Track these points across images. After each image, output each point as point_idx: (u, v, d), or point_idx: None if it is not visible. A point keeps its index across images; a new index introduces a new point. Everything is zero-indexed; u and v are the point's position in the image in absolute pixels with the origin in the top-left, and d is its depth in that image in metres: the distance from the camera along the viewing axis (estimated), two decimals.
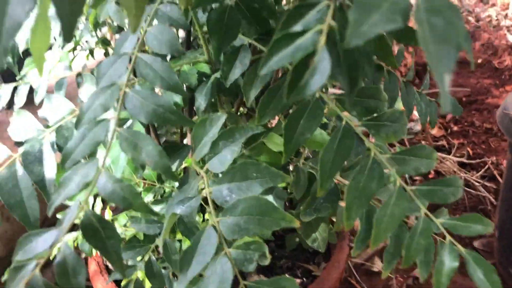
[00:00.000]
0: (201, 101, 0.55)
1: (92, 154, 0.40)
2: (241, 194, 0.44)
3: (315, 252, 0.84)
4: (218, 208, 0.48)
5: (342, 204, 0.70)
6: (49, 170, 0.48)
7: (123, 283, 0.65)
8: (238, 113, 0.72)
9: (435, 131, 1.69)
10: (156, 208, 0.63)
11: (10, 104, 1.33)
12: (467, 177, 1.45)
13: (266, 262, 0.40)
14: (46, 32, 0.29)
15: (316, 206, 0.62)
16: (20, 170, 0.48)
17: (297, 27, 0.27)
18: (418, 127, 1.67)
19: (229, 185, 0.45)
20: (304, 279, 0.79)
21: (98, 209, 0.74)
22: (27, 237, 0.35)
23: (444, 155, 1.53)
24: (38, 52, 0.29)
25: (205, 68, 0.60)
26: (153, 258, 0.58)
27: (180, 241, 0.67)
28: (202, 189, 0.49)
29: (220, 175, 0.53)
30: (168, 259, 0.58)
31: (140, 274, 0.64)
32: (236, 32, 0.46)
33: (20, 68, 0.71)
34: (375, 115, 0.47)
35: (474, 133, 1.73)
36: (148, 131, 0.75)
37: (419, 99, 0.74)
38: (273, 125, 0.69)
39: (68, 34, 0.29)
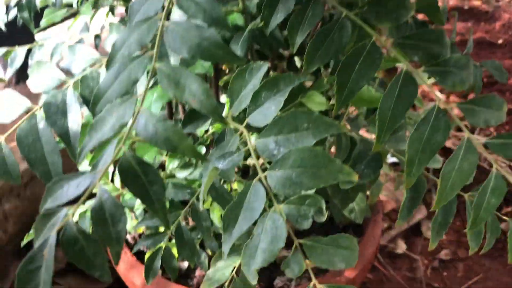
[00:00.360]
0: (237, 52, 0.50)
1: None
2: (290, 147, 0.39)
3: (345, 227, 0.80)
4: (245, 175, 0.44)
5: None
6: (74, 122, 0.43)
7: (147, 255, 0.61)
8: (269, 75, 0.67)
9: (457, 112, 1.63)
10: (183, 174, 0.58)
11: (19, 79, 1.29)
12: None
13: (323, 218, 0.36)
14: None
15: (357, 173, 0.57)
16: (41, 123, 0.44)
17: None
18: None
19: (276, 138, 0.40)
20: None
21: (118, 182, 0.70)
22: (57, 182, 0.30)
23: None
24: None
25: (238, 19, 0.55)
26: (183, 224, 0.53)
27: (208, 210, 0.62)
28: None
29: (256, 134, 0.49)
30: (199, 226, 0.53)
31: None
32: None
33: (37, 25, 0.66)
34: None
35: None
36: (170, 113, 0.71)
37: None
38: None
39: None
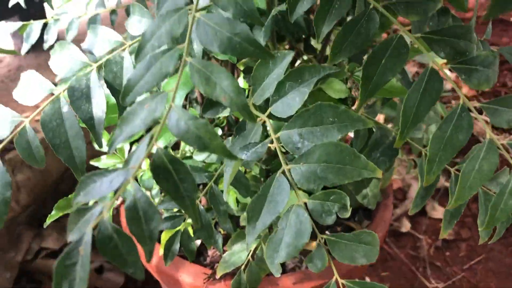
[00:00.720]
0: (259, 39, 0.49)
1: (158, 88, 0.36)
2: (315, 141, 0.39)
3: (354, 210, 0.81)
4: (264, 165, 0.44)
5: None
6: (98, 108, 0.43)
7: (164, 236, 0.62)
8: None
9: (465, 91, 1.62)
10: (201, 157, 0.58)
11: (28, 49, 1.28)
12: (500, 140, 1.40)
13: (347, 214, 0.36)
14: None
15: (373, 160, 0.58)
16: (65, 107, 0.44)
17: None
18: (448, 85, 1.61)
19: (301, 130, 0.40)
20: None
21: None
22: (90, 177, 0.31)
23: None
24: None
25: (260, 2, 0.54)
26: (202, 208, 0.54)
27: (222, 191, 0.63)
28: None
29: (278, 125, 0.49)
30: (216, 209, 0.54)
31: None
32: None
33: None
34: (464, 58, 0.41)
35: (506, 94, 1.66)
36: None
37: (481, 48, 0.68)
38: None
39: None
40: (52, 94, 0.45)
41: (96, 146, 0.65)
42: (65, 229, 1.04)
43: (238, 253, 0.54)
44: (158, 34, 0.35)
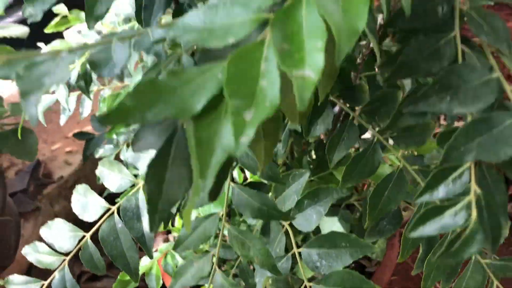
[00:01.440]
0: (279, 147, 0.57)
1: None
2: (331, 261, 0.47)
3: None
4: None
5: None
6: (148, 226, 0.52)
7: None
8: None
9: None
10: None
11: None
12: None
13: None
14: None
15: (380, 229, 0.66)
16: (119, 223, 0.52)
17: (440, 192, 0.29)
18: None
19: (319, 251, 0.48)
20: None
21: None
22: None
23: None
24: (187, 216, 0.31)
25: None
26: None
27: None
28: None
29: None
30: (246, 283, 0.63)
31: None
32: (324, 106, 0.47)
33: None
34: None
35: None
36: None
37: None
38: None
39: (214, 196, 0.31)
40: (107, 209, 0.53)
41: None
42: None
43: None
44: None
